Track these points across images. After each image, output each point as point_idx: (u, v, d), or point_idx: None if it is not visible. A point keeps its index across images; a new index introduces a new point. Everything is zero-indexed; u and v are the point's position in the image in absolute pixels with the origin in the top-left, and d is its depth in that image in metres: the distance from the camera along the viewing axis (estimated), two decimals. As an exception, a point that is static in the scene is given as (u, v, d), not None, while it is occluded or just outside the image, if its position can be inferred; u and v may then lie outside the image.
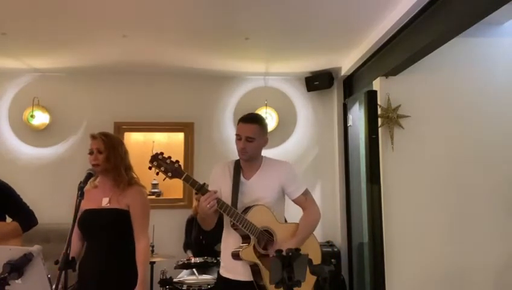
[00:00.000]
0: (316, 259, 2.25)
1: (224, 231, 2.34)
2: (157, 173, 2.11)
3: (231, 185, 2.25)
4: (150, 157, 2.10)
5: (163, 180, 2.13)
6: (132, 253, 2.29)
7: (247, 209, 2.18)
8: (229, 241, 2.25)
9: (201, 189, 2.09)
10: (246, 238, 2.17)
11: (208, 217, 2.17)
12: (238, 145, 2.25)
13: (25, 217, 2.64)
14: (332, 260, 4.39)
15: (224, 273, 2.28)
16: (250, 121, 2.28)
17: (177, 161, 2.13)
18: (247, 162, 2.29)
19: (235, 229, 2.18)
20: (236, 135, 2.27)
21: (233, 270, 2.22)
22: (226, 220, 2.26)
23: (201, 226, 2.32)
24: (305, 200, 2.34)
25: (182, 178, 2.11)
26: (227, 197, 2.19)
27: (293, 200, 2.35)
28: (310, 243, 2.30)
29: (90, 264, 2.24)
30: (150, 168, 2.12)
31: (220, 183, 2.28)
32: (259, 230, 2.15)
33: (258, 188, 2.26)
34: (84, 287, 2.24)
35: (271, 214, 2.22)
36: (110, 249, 2.26)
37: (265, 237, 2.17)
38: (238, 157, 2.35)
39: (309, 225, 2.31)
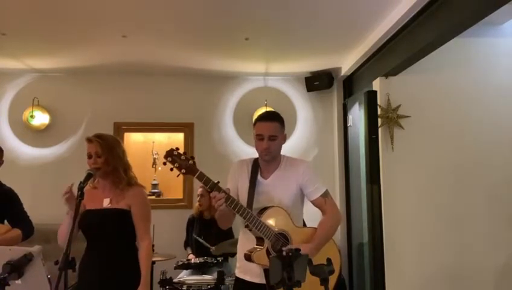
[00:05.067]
0: (335, 265, 2.05)
1: (240, 231, 2.28)
2: (172, 169, 2.05)
3: (248, 184, 2.19)
4: (165, 152, 2.05)
5: (177, 176, 2.08)
6: (133, 253, 2.29)
7: (263, 210, 2.10)
8: (245, 241, 2.19)
9: (215, 187, 2.02)
10: (259, 240, 2.11)
11: (223, 215, 2.12)
12: (261, 146, 2.15)
13: (26, 227, 2.65)
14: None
15: (240, 274, 2.23)
16: (271, 119, 2.19)
17: (192, 157, 2.05)
18: (267, 161, 2.21)
19: (249, 230, 2.11)
20: (258, 135, 2.16)
21: (250, 271, 2.16)
22: (242, 220, 2.16)
23: (218, 224, 2.27)
24: (324, 203, 2.21)
25: (196, 176, 2.03)
26: (243, 197, 2.14)
27: (312, 202, 2.24)
28: (329, 248, 2.19)
29: (92, 264, 2.23)
30: (164, 163, 2.06)
31: (237, 181, 2.23)
32: (274, 233, 2.07)
33: (276, 188, 2.19)
34: (85, 287, 2.24)
35: (288, 216, 2.13)
36: (112, 249, 2.26)
37: (281, 240, 2.09)
38: (247, 157, 2.31)
39: (328, 230, 2.19)
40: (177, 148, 2.07)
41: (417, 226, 3.63)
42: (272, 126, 2.16)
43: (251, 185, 2.17)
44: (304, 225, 2.34)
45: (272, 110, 2.32)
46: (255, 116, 4.04)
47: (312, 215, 2.38)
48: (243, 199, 2.13)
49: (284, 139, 2.24)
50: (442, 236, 3.61)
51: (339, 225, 2.26)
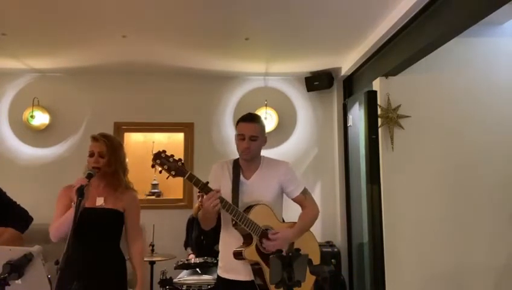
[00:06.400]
0: (315, 260, 2.26)
1: (222, 231, 2.34)
2: (160, 171, 2.09)
3: (231, 184, 2.25)
4: (152, 155, 2.07)
5: (167, 178, 2.11)
6: (120, 253, 2.32)
7: (248, 208, 2.18)
8: (229, 241, 2.25)
9: (205, 188, 2.08)
10: (247, 238, 2.17)
11: (209, 216, 2.16)
12: (241, 145, 2.24)
13: (21, 217, 2.57)
14: (332, 260, 4.39)
15: (223, 273, 2.28)
16: (252, 120, 2.29)
17: (180, 159, 2.10)
18: (248, 161, 2.29)
19: (236, 228, 2.17)
20: (239, 134, 2.25)
21: (233, 270, 2.22)
22: (225, 219, 2.26)
23: (201, 225, 2.31)
24: (304, 199, 2.36)
25: (186, 177, 2.09)
26: (227, 197, 2.19)
27: (293, 199, 2.37)
28: (310, 243, 2.31)
29: (79, 262, 2.16)
30: (152, 166, 2.08)
31: (219, 182, 2.28)
32: (261, 229, 2.16)
33: (258, 187, 2.27)
34: (71, 284, 2.19)
35: (272, 213, 2.24)
36: (100, 248, 2.25)
37: (267, 236, 2.18)
38: (237, 157, 2.35)
39: (307, 220, 2.33)
40: (164, 151, 2.10)
41: (417, 226, 3.62)
42: (253, 127, 2.25)
43: (234, 185, 2.25)
44: (283, 220, 2.42)
45: (254, 112, 2.42)
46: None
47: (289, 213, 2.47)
48: (227, 199, 2.17)
49: (264, 141, 2.33)
50: (442, 236, 3.61)
51: (317, 217, 2.38)
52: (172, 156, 2.10)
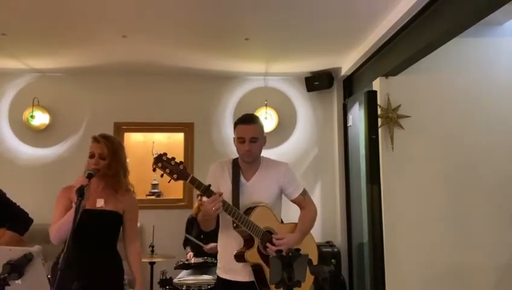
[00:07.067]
0: (313, 261, 2.25)
1: (221, 232, 2.33)
2: (162, 175, 2.06)
3: (231, 186, 2.23)
4: (153, 159, 2.04)
5: (168, 182, 2.09)
6: (117, 253, 2.34)
7: (249, 210, 2.17)
8: (228, 241, 2.24)
9: (207, 191, 2.05)
10: (248, 239, 2.16)
11: (209, 218, 2.15)
12: (243, 148, 2.20)
13: (20, 219, 2.57)
14: (332, 260, 4.39)
15: (222, 274, 2.28)
16: (252, 121, 2.25)
17: (182, 162, 2.07)
18: (248, 163, 2.27)
19: (237, 230, 2.16)
20: (240, 137, 2.21)
21: (232, 271, 2.22)
22: (225, 220, 2.24)
23: (201, 227, 2.30)
24: (303, 200, 2.36)
25: (188, 180, 2.05)
26: (227, 198, 2.18)
27: (292, 201, 2.36)
28: (308, 243, 2.31)
29: (79, 262, 2.15)
30: (154, 169, 2.05)
31: (218, 183, 2.25)
32: (262, 231, 2.16)
33: (259, 189, 2.25)
34: (70, 284, 2.18)
35: (272, 214, 2.24)
36: (100, 249, 2.26)
37: (268, 237, 2.18)
38: (236, 157, 2.33)
39: (308, 222, 2.34)
40: (165, 154, 2.07)
41: (417, 226, 3.62)
42: (252, 128, 2.22)
43: (234, 186, 2.22)
44: (281, 221, 2.42)
45: (252, 113, 2.38)
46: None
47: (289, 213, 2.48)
48: (227, 200, 2.15)
49: (264, 141, 2.30)
50: (442, 236, 3.61)
51: (316, 218, 2.39)
52: (173, 158, 2.06)
